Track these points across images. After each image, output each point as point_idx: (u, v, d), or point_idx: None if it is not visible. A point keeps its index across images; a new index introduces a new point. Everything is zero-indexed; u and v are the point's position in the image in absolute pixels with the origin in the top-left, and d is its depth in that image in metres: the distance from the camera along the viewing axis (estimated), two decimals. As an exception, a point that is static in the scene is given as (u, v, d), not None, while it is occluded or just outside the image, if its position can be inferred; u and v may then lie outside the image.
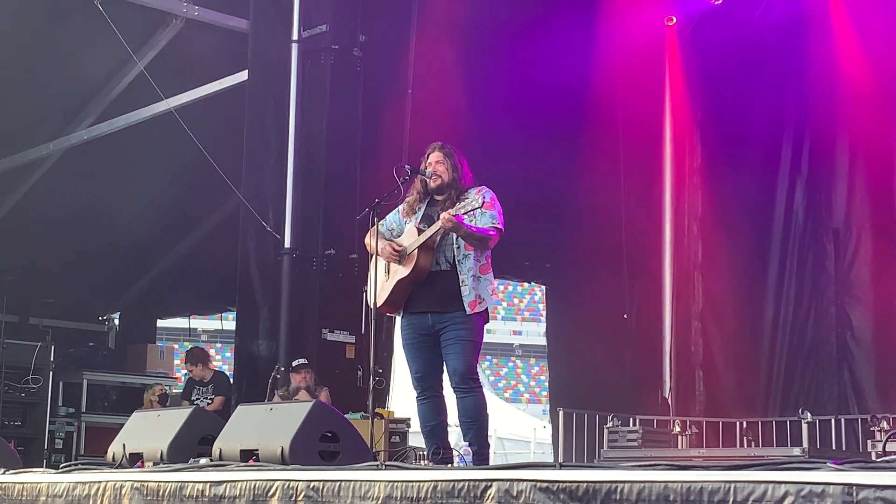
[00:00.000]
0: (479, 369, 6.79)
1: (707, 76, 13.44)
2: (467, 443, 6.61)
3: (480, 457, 6.56)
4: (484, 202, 6.53)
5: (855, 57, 12.06)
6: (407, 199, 6.92)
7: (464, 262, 6.64)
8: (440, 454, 6.64)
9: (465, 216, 6.48)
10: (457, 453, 6.63)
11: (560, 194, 13.21)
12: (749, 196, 13.08)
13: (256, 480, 5.25)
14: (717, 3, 13.24)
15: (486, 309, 6.71)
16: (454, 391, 6.69)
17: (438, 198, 6.81)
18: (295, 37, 11.35)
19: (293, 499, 5.03)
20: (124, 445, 7.10)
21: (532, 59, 12.60)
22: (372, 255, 6.83)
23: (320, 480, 4.97)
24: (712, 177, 13.52)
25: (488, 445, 6.77)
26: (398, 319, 6.99)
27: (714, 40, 13.33)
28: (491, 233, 6.62)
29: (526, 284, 33.56)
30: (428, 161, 6.83)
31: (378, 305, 6.82)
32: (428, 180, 6.76)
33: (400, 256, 6.67)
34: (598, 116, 13.21)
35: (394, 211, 7.02)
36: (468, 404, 6.63)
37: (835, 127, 12.42)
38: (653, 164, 13.80)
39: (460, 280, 6.62)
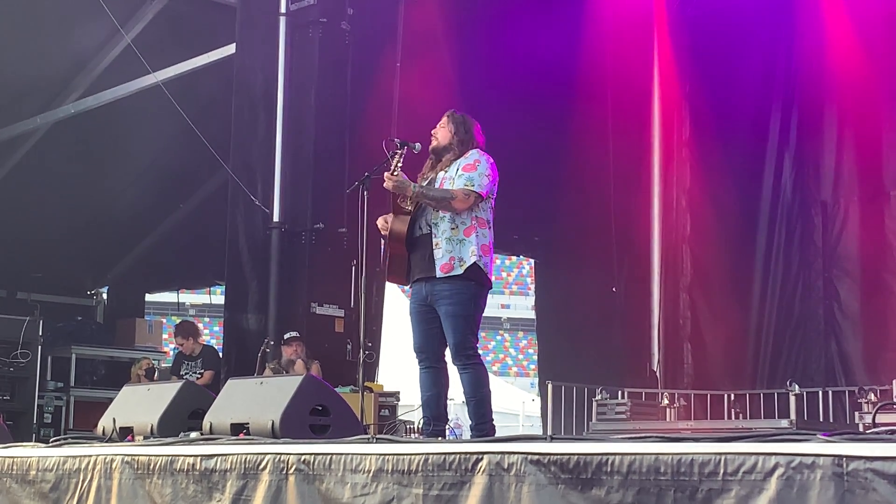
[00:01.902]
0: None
1: (695, 48, 13.37)
2: (457, 417, 6.62)
3: (478, 433, 6.49)
4: (465, 165, 6.59)
5: (843, 29, 12.03)
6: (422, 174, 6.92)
7: (438, 225, 6.60)
8: (431, 426, 6.63)
9: (398, 173, 6.46)
10: (449, 426, 6.63)
11: (549, 167, 13.19)
12: (737, 169, 13.06)
13: (247, 454, 5.25)
14: (704, -26, 13.20)
15: (476, 271, 6.52)
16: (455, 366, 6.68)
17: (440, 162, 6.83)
18: (283, 10, 11.30)
19: (284, 472, 5.03)
20: (114, 419, 7.10)
21: (521, 33, 12.55)
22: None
23: (311, 454, 4.97)
24: (701, 150, 13.49)
25: (487, 421, 6.58)
26: (389, 294, 7.03)
27: (702, 12, 13.25)
28: (454, 193, 6.52)
29: (514, 258, 33.48)
30: None
31: (387, 277, 7.08)
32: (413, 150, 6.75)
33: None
34: (587, 89, 13.17)
35: None
36: (464, 380, 6.59)
37: (823, 99, 12.41)
38: (641, 136, 13.78)
39: (434, 243, 6.59)
